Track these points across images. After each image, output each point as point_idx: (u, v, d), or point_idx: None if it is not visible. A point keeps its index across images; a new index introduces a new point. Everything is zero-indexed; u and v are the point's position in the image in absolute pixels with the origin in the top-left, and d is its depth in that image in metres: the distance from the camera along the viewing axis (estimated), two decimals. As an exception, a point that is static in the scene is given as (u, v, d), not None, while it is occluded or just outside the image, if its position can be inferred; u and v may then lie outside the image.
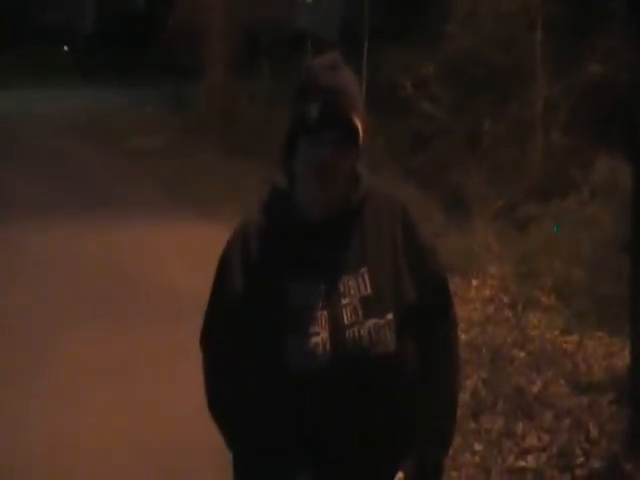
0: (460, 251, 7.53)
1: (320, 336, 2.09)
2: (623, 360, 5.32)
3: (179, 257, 8.49)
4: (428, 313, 2.19)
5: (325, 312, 2.11)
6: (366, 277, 2.14)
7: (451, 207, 8.88)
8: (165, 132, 16.40)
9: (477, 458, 4.51)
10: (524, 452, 4.55)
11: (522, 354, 5.75)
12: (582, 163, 8.38)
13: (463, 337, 5.52)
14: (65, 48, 31.17)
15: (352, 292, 2.13)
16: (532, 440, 4.65)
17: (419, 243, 2.22)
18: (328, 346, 2.09)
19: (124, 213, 10.49)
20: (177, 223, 9.94)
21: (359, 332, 2.10)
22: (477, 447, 4.60)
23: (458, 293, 6.74)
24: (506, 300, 6.76)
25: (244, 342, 2.15)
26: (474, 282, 7.13)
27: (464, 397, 5.07)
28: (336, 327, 2.10)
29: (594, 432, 4.63)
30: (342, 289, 2.13)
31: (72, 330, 6.49)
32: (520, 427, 4.78)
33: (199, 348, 2.28)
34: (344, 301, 2.12)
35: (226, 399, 2.19)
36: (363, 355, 2.09)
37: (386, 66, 11.80)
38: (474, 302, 6.76)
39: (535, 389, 5.22)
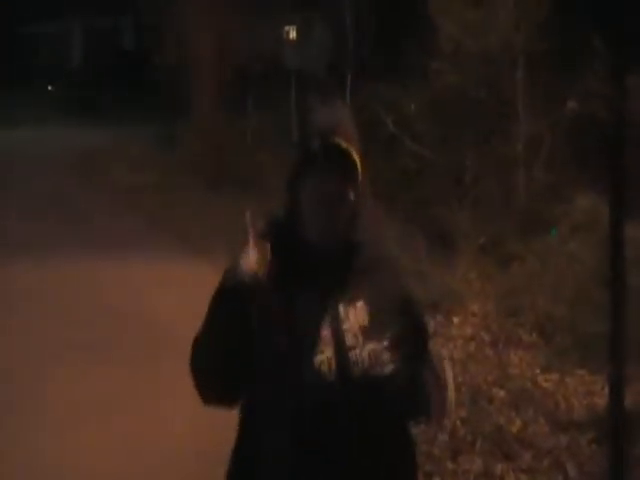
0: (442, 288, 7.49)
1: (325, 355, 2.20)
2: (603, 399, 5.27)
3: (165, 294, 8.43)
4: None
5: (328, 333, 2.22)
6: (364, 309, 2.27)
7: (434, 244, 8.85)
8: (152, 170, 16.39)
9: (455, 500, 4.44)
10: (503, 493, 4.49)
11: (502, 393, 5.70)
12: (563, 200, 8.39)
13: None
14: (49, 88, 31.15)
15: (351, 319, 2.25)
16: (510, 481, 4.59)
17: (409, 292, 2.40)
18: (334, 366, 2.20)
19: (110, 250, 10.43)
20: (163, 260, 9.90)
21: (361, 354, 2.23)
22: (455, 488, 4.54)
23: (439, 331, 6.70)
24: (487, 338, 6.72)
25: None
26: (455, 320, 7.09)
27: (442, 437, 5.02)
28: (340, 348, 2.22)
29: (573, 472, 4.57)
30: (342, 315, 2.25)
31: (57, 365, 6.43)
32: (499, 468, 4.73)
33: (189, 371, 2.32)
34: (345, 326, 2.24)
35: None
36: (364, 376, 2.21)
37: (370, 103, 11.85)
38: (455, 340, 6.71)
39: (515, 428, 5.17)
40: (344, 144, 2.23)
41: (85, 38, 34.39)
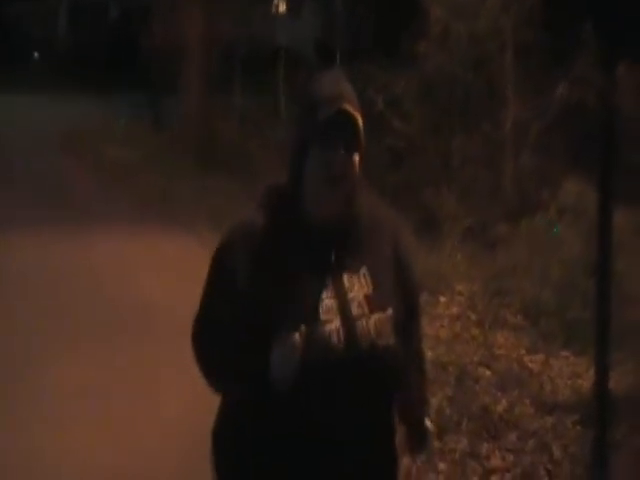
0: (429, 269, 7.54)
1: (333, 324, 2.19)
2: (588, 381, 5.35)
3: (153, 273, 8.43)
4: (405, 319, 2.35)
5: (334, 302, 2.22)
6: (367, 277, 2.27)
7: (422, 226, 8.90)
8: (142, 148, 16.30)
9: (441, 478, 4.50)
10: (488, 473, 4.56)
11: (488, 373, 5.77)
12: (551, 184, 8.45)
13: (429, 354, 5.52)
14: (35, 55, 30.75)
15: (356, 288, 2.25)
16: (496, 461, 4.66)
17: (408, 259, 2.40)
18: (342, 335, 2.19)
19: (98, 227, 10.41)
20: (151, 238, 9.90)
21: (367, 324, 2.22)
22: (441, 467, 4.60)
23: (426, 309, 6.74)
24: (473, 318, 6.79)
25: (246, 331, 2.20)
26: (442, 299, 7.16)
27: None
28: (346, 317, 2.21)
29: (558, 453, 4.65)
30: (347, 285, 2.24)
31: (51, 349, 6.35)
32: (485, 447, 4.79)
33: (191, 344, 2.34)
34: (350, 295, 2.24)
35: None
36: (371, 346, 2.21)
37: (360, 83, 11.84)
38: (441, 319, 6.78)
39: (500, 409, 5.23)
40: (353, 113, 2.21)
41: (72, 11, 34.09)
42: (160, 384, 5.71)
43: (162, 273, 8.42)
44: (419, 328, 2.51)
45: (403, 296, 2.34)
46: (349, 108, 2.21)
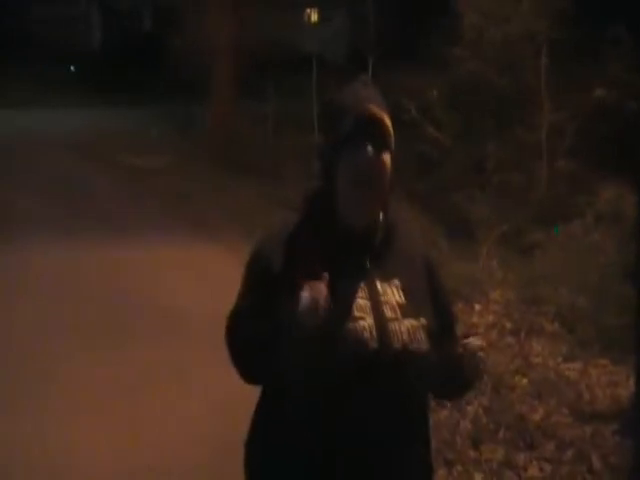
0: (463, 276, 7.45)
1: (367, 321, 2.18)
2: (627, 389, 5.25)
3: (180, 278, 8.42)
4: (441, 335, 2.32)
5: (368, 302, 2.21)
6: (399, 287, 2.27)
7: (455, 232, 8.82)
8: (170, 152, 16.37)
9: (478, 488, 4.43)
10: (525, 483, 4.47)
11: (524, 381, 5.67)
12: (587, 189, 8.33)
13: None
14: (72, 68, 31.09)
15: (389, 294, 2.25)
16: (533, 471, 4.57)
17: (441, 281, 2.42)
18: (375, 333, 2.18)
19: (125, 232, 10.44)
20: (178, 243, 9.90)
21: (399, 327, 2.21)
22: (477, 477, 4.52)
23: (461, 318, 6.63)
24: (509, 326, 6.69)
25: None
26: (477, 307, 7.06)
27: (464, 424, 5.00)
28: (380, 317, 2.20)
29: (597, 464, 4.55)
30: (380, 289, 2.24)
31: (71, 350, 6.40)
32: (521, 457, 4.70)
33: (225, 338, 2.31)
34: (383, 298, 2.23)
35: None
36: (403, 349, 2.20)
37: (392, 89, 11.79)
38: (477, 328, 6.67)
39: (537, 417, 5.14)
40: (380, 113, 2.21)
41: (104, 20, 34.36)
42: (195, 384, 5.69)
43: (186, 277, 8.39)
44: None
45: (438, 317, 2.32)
46: (374, 109, 2.21)
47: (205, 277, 8.32)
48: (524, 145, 9.65)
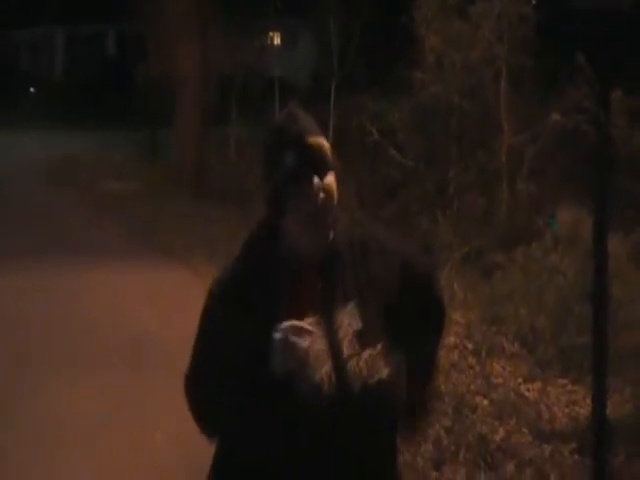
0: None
1: (324, 369, 2.14)
2: (586, 408, 5.32)
3: (148, 305, 8.40)
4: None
5: (324, 346, 2.16)
6: (355, 312, 2.19)
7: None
8: (136, 179, 16.33)
9: (439, 508, 4.47)
10: (486, 502, 4.52)
11: (485, 402, 5.72)
12: (546, 212, 8.46)
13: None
14: (31, 90, 30.89)
15: (345, 325, 2.18)
16: (494, 491, 4.62)
17: (414, 278, 2.31)
18: (333, 380, 2.14)
19: (93, 259, 10.39)
20: (146, 269, 9.88)
21: (358, 364, 2.16)
22: (439, 497, 4.56)
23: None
24: (470, 347, 6.74)
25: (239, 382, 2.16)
26: (439, 329, 7.10)
27: (426, 446, 5.04)
28: (338, 361, 2.16)
29: (556, 482, 4.61)
30: (336, 324, 2.18)
31: (39, 380, 6.33)
32: (482, 478, 4.75)
33: (184, 393, 2.33)
34: (340, 334, 2.17)
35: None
36: (363, 387, 2.15)
37: (355, 113, 11.91)
38: (438, 349, 6.72)
39: (498, 438, 5.19)
40: (316, 140, 2.19)
41: (68, 45, 34.25)
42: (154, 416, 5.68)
43: (154, 304, 8.38)
44: (435, 341, 2.50)
45: (401, 320, 2.24)
46: (310, 139, 2.18)
47: (173, 304, 8.29)
48: (485, 168, 9.77)
